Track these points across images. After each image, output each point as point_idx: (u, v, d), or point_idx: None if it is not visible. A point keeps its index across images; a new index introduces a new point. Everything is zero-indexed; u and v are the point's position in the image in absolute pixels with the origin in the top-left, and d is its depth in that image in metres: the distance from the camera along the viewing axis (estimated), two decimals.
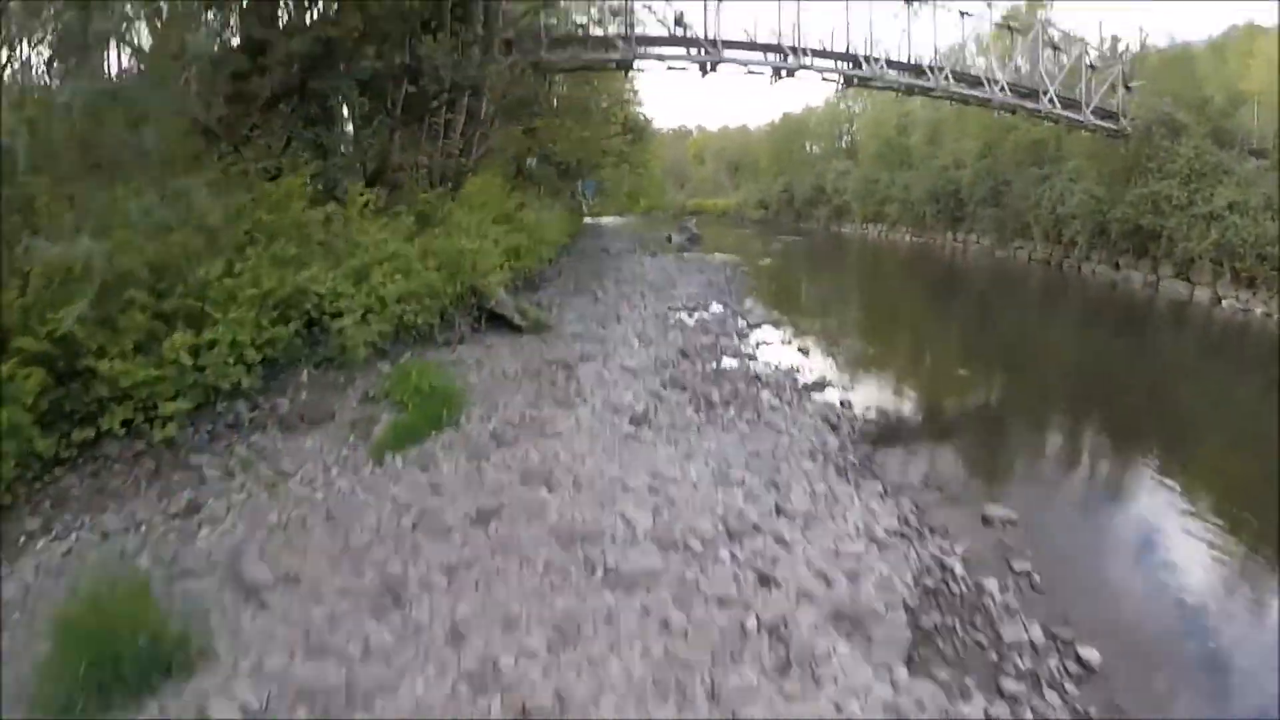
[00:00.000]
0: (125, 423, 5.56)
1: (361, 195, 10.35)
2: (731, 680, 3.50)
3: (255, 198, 8.50)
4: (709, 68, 26.54)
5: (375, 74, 14.82)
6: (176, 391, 5.80)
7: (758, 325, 13.90)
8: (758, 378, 9.78)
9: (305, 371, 7.74)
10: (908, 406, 10.38)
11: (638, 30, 24.56)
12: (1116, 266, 35.68)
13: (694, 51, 25.82)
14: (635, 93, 34.73)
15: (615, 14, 24.34)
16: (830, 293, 22.73)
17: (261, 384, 6.85)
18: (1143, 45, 42.50)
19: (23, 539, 4.68)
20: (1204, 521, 6.80)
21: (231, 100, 10.36)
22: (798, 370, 10.66)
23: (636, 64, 25.63)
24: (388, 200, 14.91)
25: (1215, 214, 28.10)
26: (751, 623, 3.93)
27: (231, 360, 6.24)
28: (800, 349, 12.26)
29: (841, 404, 9.24)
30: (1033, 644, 4.41)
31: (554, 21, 23.86)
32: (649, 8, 24.57)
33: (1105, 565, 5.95)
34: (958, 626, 4.47)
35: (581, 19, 23.93)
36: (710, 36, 25.29)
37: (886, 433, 8.50)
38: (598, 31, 24.31)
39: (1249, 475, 8.15)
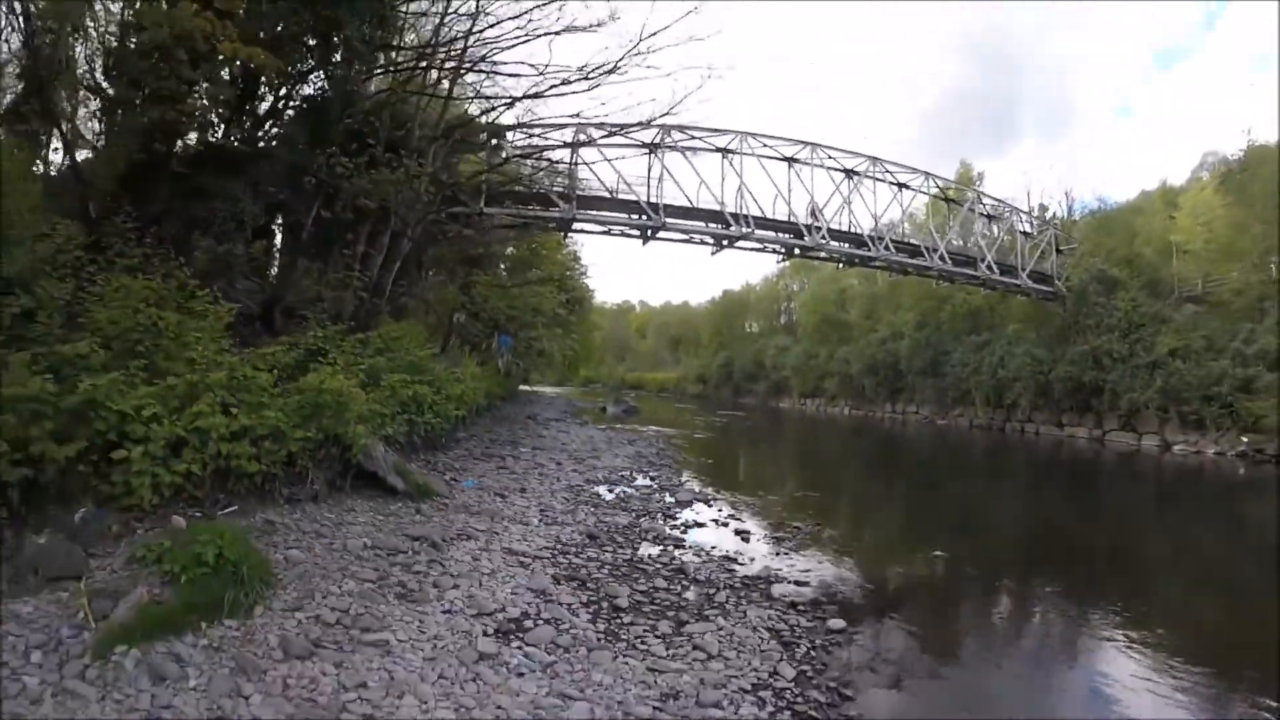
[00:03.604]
0: None
1: (213, 303, 8.64)
2: None
3: (102, 294, 7.38)
4: (650, 234, 26.21)
5: (281, 188, 13.40)
6: None
7: (689, 503, 11.88)
8: (682, 571, 7.64)
9: (83, 510, 5.56)
10: (886, 606, 7.69)
11: (580, 192, 24.17)
12: (1060, 425, 36.66)
13: (636, 218, 25.54)
14: (579, 259, 34.45)
15: (558, 174, 23.95)
16: (770, 468, 21.01)
17: (9, 515, 5.00)
18: (1070, 210, 45.52)
19: None
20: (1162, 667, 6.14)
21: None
22: (736, 560, 8.51)
23: (576, 225, 25.15)
24: (283, 330, 13.04)
25: (1158, 362, 28.94)
26: None
27: None
28: (739, 532, 10.16)
29: (796, 607, 6.89)
30: None
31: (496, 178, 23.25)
32: (593, 171, 24.34)
33: None
34: None
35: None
36: (652, 202, 25.03)
37: (863, 648, 6.15)
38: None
39: (1209, 618, 8.07)
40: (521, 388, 36.54)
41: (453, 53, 14.93)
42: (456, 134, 17.35)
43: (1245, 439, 24.01)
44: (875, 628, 6.81)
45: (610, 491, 12.02)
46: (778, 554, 9.13)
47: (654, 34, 13.80)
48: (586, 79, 14.10)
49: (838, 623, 6.51)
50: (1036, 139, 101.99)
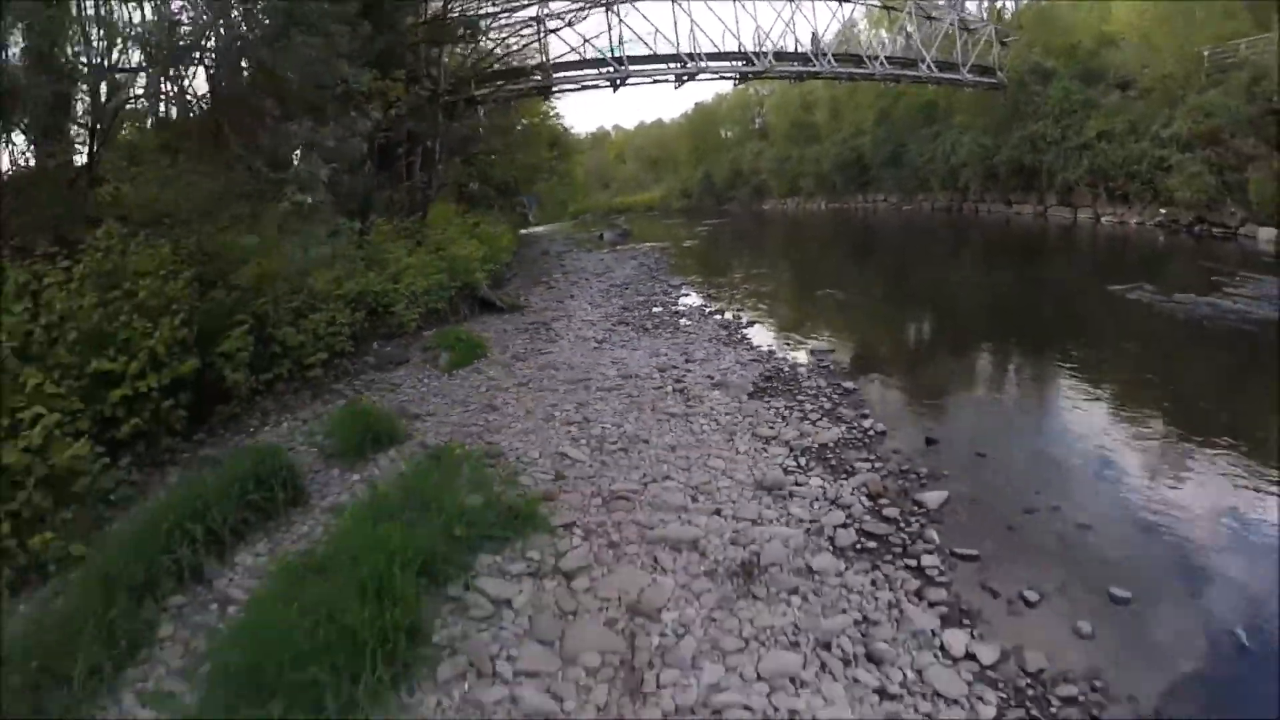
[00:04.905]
0: (289, 370, 9.31)
1: (384, 226, 14.27)
2: (661, 404, 7.69)
3: None
4: (619, 83, 30.83)
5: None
6: (315, 350, 9.63)
7: (679, 287, 18.07)
8: (678, 314, 14.10)
9: (374, 343, 11.69)
10: (784, 313, 14.71)
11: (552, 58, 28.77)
12: (1008, 203, 39.57)
13: (604, 70, 30.06)
14: (554, 108, 38.79)
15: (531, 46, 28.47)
16: (745, 258, 27.06)
17: (354, 350, 10.83)
18: (1017, 2, 47.10)
19: (253, 428, 8.32)
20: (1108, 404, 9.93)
21: None
22: (707, 307, 14.89)
23: (555, 89, 29.84)
24: (370, 224, 18.64)
25: (1086, 144, 31.54)
26: (670, 387, 8.18)
27: (338, 333, 10.13)
28: (712, 296, 16.49)
29: (733, 318, 13.55)
30: (820, 386, 8.70)
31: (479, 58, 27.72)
32: (561, 38, 28.79)
33: (885, 365, 10.33)
34: (784, 384, 8.76)
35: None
36: (616, 55, 29.57)
37: (762, 327, 12.88)
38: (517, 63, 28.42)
39: (1145, 364, 10.15)
40: (521, 231, 41.79)
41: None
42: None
43: (1163, 211, 27.31)
44: (771, 322, 13.25)
45: (627, 289, 18.15)
46: (732, 303, 15.47)
47: None
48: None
49: (754, 319, 13.02)
50: None
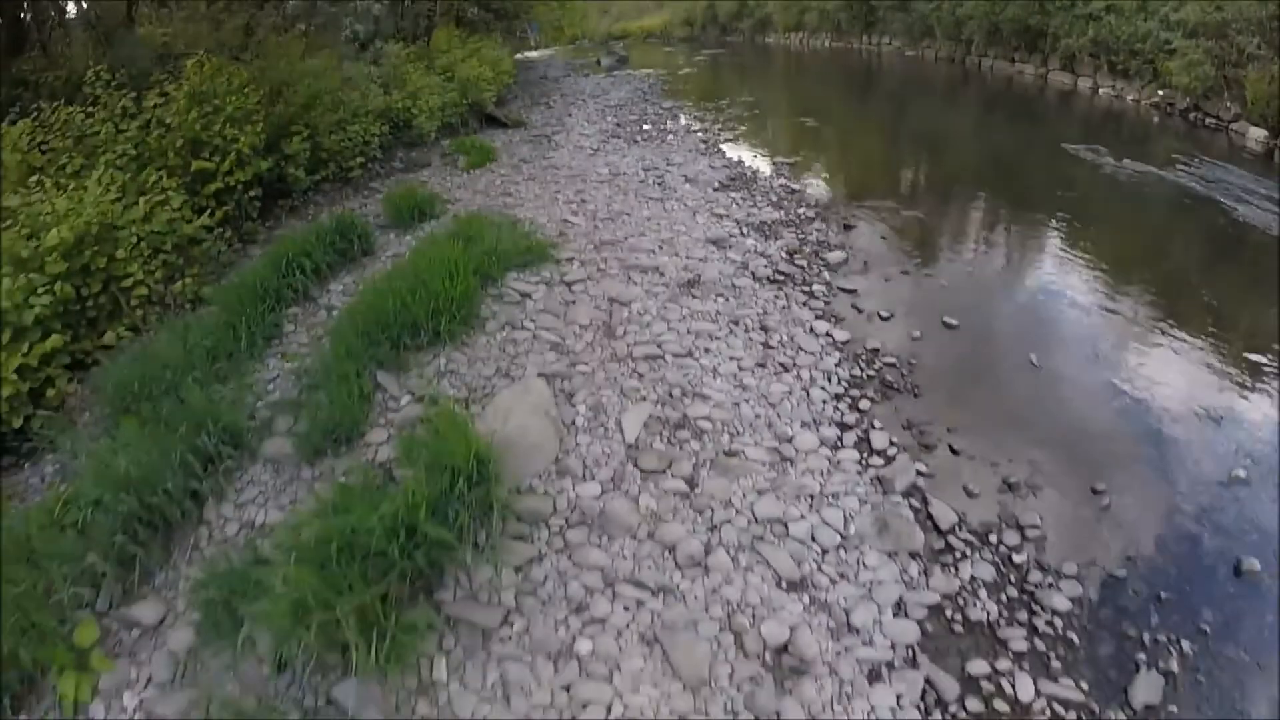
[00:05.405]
0: (334, 171, 11.21)
1: (401, 51, 15.58)
2: (643, 193, 9.76)
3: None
4: None
5: None
6: (354, 154, 11.51)
7: (670, 110, 19.49)
8: (665, 130, 15.77)
9: (400, 151, 13.50)
10: (761, 134, 16.28)
11: None
12: (1012, 61, 40.88)
13: None
14: None
15: None
16: (738, 88, 28.04)
17: (380, 156, 12.67)
18: None
19: (309, 217, 10.37)
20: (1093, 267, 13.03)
21: None
22: (693, 126, 16.53)
23: None
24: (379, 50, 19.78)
25: (1093, 14, 30.64)
26: (651, 182, 10.21)
27: (370, 141, 11.92)
28: (699, 118, 18.01)
29: (714, 135, 15.30)
30: (773, 186, 10.76)
31: None
32: None
33: (835, 178, 12.28)
34: (744, 184, 10.82)
35: None
36: None
37: (739, 143, 14.69)
38: None
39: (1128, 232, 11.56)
40: (519, 56, 41.74)
41: None
42: None
43: (1160, 93, 28.05)
44: (747, 140, 15.02)
45: (621, 109, 19.62)
46: (716, 123, 17.08)
47: None
48: None
49: (733, 137, 14.77)
50: None
